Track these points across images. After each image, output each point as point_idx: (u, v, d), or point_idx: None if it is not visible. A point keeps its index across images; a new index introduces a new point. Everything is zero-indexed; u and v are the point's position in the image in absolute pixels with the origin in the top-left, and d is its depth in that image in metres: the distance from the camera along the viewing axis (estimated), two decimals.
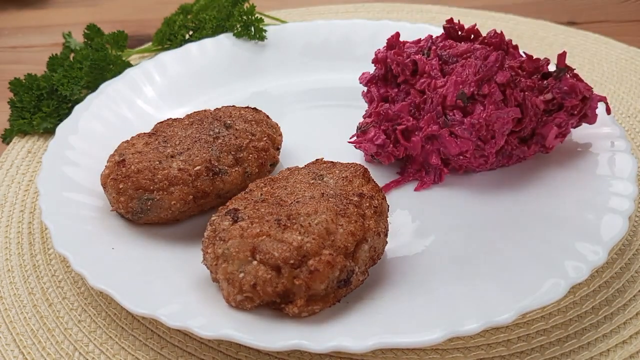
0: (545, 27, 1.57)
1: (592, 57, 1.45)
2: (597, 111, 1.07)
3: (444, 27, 1.11)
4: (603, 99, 1.03)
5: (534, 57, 1.05)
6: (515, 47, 1.08)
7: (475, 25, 1.10)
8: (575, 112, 1.01)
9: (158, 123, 1.04)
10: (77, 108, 1.13)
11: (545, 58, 1.05)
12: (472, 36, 1.10)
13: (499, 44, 1.06)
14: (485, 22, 1.60)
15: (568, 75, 1.02)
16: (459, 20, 1.11)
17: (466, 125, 0.98)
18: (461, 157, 1.00)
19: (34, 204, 1.07)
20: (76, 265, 0.82)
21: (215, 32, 1.40)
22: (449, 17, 1.52)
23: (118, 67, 1.31)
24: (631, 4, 1.73)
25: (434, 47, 1.06)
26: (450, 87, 0.99)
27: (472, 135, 0.98)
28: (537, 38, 1.53)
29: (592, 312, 0.87)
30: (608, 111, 1.05)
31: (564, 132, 1.01)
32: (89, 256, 0.84)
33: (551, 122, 1.00)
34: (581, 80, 1.02)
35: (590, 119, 1.02)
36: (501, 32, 1.07)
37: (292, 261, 0.75)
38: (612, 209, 0.90)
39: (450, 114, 0.99)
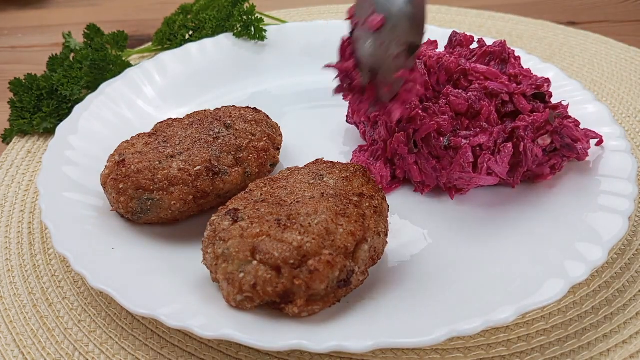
0: (545, 27, 1.57)
1: (592, 57, 1.45)
2: (596, 110, 1.07)
3: (449, 38, 1.12)
4: (599, 139, 1.02)
5: (532, 74, 1.04)
6: (517, 58, 1.08)
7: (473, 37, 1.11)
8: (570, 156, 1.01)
9: (158, 123, 1.04)
10: (77, 108, 1.13)
11: (545, 78, 1.05)
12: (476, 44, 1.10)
13: (500, 52, 1.06)
14: (485, 22, 1.60)
15: (569, 123, 1.00)
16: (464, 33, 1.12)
17: (430, 166, 0.98)
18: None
19: (34, 204, 1.07)
20: (76, 265, 0.82)
21: (215, 32, 1.40)
22: (449, 17, 1.53)
23: (118, 67, 1.31)
24: (631, 4, 1.73)
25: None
26: (428, 125, 0.98)
27: (433, 177, 0.99)
28: (537, 38, 1.53)
29: (592, 312, 0.87)
30: (598, 144, 1.03)
31: (557, 169, 1.01)
32: (89, 256, 0.84)
33: (546, 163, 1.00)
34: (578, 124, 1.01)
35: (581, 157, 1.01)
36: (503, 41, 1.07)
37: (292, 261, 0.75)
38: (612, 209, 0.90)
39: (420, 143, 0.99)
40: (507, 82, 1.01)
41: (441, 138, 0.98)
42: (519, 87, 1.01)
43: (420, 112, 1.00)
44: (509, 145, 0.96)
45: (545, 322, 0.85)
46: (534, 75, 1.05)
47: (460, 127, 0.99)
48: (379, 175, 1.03)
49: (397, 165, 1.03)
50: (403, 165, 1.02)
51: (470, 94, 0.99)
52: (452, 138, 0.97)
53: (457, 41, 1.11)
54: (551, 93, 1.04)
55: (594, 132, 1.02)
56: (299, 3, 1.76)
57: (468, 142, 0.97)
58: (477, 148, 0.97)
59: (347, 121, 1.16)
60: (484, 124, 0.98)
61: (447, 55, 1.05)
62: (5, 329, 0.87)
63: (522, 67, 1.07)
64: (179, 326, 0.75)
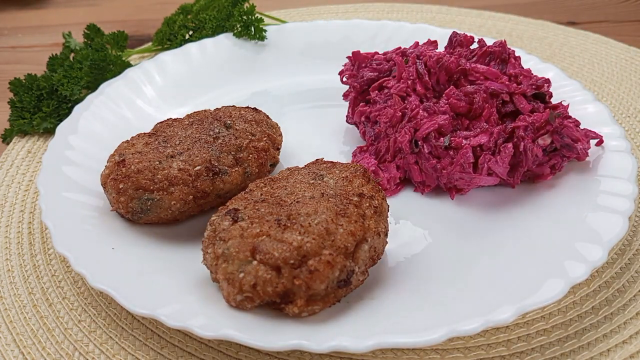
0: (545, 27, 1.57)
1: (592, 57, 1.45)
2: (596, 110, 1.07)
3: (450, 38, 1.12)
4: (599, 139, 1.02)
5: (532, 75, 1.05)
6: (517, 58, 1.08)
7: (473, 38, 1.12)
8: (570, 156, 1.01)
9: (158, 123, 1.04)
10: (77, 108, 1.13)
11: (545, 78, 1.05)
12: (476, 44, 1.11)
13: (500, 53, 1.06)
14: (485, 22, 1.60)
15: (569, 123, 1.00)
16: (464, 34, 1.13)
17: (430, 165, 0.98)
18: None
19: (34, 204, 1.07)
20: (76, 265, 0.82)
21: (215, 32, 1.40)
22: (449, 17, 1.52)
23: (118, 67, 1.31)
24: (631, 4, 1.73)
25: (413, 55, 1.07)
26: (428, 125, 0.98)
27: (433, 177, 0.99)
28: (537, 38, 1.53)
29: (592, 312, 0.87)
30: (598, 144, 1.03)
31: (557, 169, 1.01)
32: (89, 256, 0.84)
33: (546, 163, 0.99)
34: (578, 124, 1.02)
35: (581, 157, 1.00)
36: (503, 41, 1.07)
37: (292, 261, 0.75)
38: (612, 209, 0.90)
39: (421, 143, 0.99)
40: (507, 82, 1.01)
41: (442, 138, 0.98)
42: (519, 87, 1.01)
43: (420, 111, 1.00)
44: (509, 145, 0.96)
45: (545, 322, 0.85)
46: (534, 76, 1.05)
47: (461, 127, 0.99)
48: (386, 178, 1.02)
49: (398, 164, 1.03)
50: (404, 165, 1.02)
51: (475, 95, 0.99)
52: (452, 138, 0.97)
53: (458, 41, 1.11)
54: (551, 93, 1.04)
55: (594, 132, 1.02)
56: (299, 3, 1.76)
57: (469, 142, 0.97)
58: (478, 148, 0.97)
59: (347, 121, 1.16)
60: (485, 124, 0.98)
61: (447, 56, 1.05)
62: (5, 329, 0.87)
63: (522, 67, 1.07)
64: (179, 326, 0.75)
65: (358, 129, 1.13)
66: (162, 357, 0.82)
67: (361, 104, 1.12)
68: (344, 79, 1.17)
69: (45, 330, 0.86)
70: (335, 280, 0.77)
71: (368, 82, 1.13)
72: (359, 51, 1.16)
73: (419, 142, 0.99)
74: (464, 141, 0.97)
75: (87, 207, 0.94)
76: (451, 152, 0.97)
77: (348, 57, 1.17)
